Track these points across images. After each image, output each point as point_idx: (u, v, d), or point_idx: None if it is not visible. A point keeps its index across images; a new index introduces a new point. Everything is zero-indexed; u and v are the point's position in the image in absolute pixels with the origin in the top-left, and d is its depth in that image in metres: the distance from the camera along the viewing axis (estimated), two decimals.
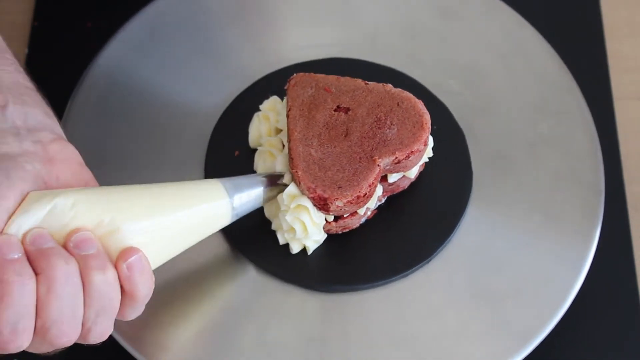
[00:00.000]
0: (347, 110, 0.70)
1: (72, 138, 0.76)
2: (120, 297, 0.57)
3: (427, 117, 0.70)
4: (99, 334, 0.57)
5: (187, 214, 0.60)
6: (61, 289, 0.54)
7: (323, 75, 0.71)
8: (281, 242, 0.71)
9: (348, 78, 0.71)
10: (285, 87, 0.71)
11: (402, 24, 0.83)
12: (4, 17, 0.93)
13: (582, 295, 0.71)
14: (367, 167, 0.68)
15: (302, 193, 0.68)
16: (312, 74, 0.71)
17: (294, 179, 0.68)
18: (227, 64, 0.81)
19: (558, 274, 0.71)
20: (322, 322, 0.69)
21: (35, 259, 0.54)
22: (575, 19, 0.92)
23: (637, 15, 0.94)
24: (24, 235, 0.55)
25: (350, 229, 0.72)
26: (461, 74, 0.80)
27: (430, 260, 0.72)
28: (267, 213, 0.72)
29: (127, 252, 0.56)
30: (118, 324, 0.66)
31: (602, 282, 0.77)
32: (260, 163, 0.73)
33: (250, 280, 0.71)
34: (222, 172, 0.70)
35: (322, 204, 0.67)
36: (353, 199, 0.67)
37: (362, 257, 0.71)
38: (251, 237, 0.72)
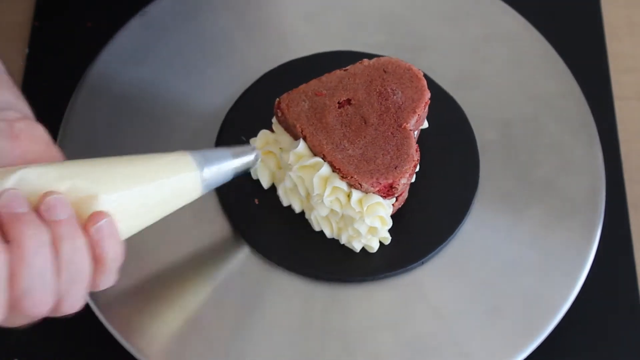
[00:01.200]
0: (349, 101, 0.70)
1: (72, 138, 0.77)
2: (91, 265, 0.56)
3: (414, 67, 0.71)
4: (71, 305, 0.56)
5: (158, 185, 0.60)
6: (32, 258, 0.53)
7: (304, 85, 0.71)
8: (358, 249, 0.71)
9: (326, 74, 0.71)
10: (279, 115, 0.70)
11: (395, 16, 0.84)
12: (4, 17, 0.93)
13: (582, 295, 0.71)
14: (403, 137, 0.68)
15: (367, 192, 0.67)
16: (294, 89, 0.70)
17: (352, 185, 0.67)
18: (228, 62, 0.81)
19: (559, 274, 0.71)
20: (328, 313, 0.70)
21: (6, 224, 0.53)
22: (575, 18, 0.92)
23: (637, 15, 0.94)
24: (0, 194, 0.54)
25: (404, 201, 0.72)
26: (460, 75, 0.80)
27: (431, 258, 0.72)
28: (331, 232, 0.71)
29: (96, 215, 0.56)
30: (113, 316, 0.66)
31: (602, 282, 0.77)
32: (285, 194, 0.73)
33: (258, 273, 0.72)
34: None
35: (388, 191, 0.67)
36: (411, 170, 0.68)
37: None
38: (263, 231, 0.73)
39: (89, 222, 0.56)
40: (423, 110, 0.70)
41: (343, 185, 0.67)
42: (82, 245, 0.55)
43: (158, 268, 0.71)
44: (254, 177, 0.73)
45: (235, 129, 0.76)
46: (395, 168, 0.67)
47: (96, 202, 0.57)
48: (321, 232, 0.72)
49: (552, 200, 0.75)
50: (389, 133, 0.69)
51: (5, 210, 0.54)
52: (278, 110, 0.70)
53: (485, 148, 0.77)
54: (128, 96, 0.80)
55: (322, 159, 0.68)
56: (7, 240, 0.53)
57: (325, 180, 0.68)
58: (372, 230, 0.69)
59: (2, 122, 0.58)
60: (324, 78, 0.71)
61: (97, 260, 0.57)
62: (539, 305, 0.70)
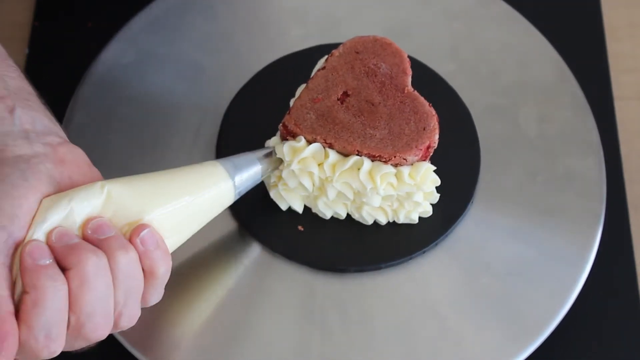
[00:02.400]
0: (345, 94, 0.70)
1: (73, 138, 0.77)
2: (143, 276, 0.58)
3: (379, 36, 0.72)
4: (129, 318, 0.58)
5: (197, 198, 0.62)
6: (94, 281, 0.54)
7: (297, 100, 0.70)
8: (417, 219, 0.72)
9: (310, 80, 0.71)
10: (285, 138, 0.69)
11: (399, 15, 0.84)
12: (4, 17, 0.93)
13: (582, 295, 0.71)
14: (412, 100, 0.69)
15: (412, 163, 0.68)
16: (290, 109, 0.69)
17: (398, 164, 0.68)
18: (226, 57, 0.81)
19: (559, 275, 0.71)
20: (326, 302, 0.70)
21: (64, 256, 0.55)
22: (575, 19, 0.92)
23: (637, 15, 0.94)
24: (49, 234, 0.55)
25: None
26: (461, 74, 0.80)
27: (428, 251, 0.72)
28: (386, 218, 0.72)
29: (138, 228, 0.58)
30: None
31: (602, 282, 0.77)
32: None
33: (255, 262, 0.72)
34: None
35: (427, 152, 0.69)
36: (437, 125, 0.69)
37: (371, 239, 0.72)
38: (258, 217, 0.73)
39: (133, 234, 0.57)
40: (409, 66, 0.71)
41: (390, 168, 0.68)
42: (134, 257, 0.57)
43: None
44: (284, 209, 0.73)
45: (236, 126, 0.77)
46: (424, 129, 0.68)
47: (141, 221, 0.58)
48: (323, 222, 0.72)
49: (552, 200, 0.74)
50: (399, 102, 0.69)
51: (59, 244, 0.55)
52: (288, 135, 0.69)
53: (486, 148, 0.77)
54: (128, 96, 0.80)
55: (358, 154, 0.68)
56: (66, 269, 0.54)
57: (371, 172, 0.68)
58: (428, 195, 0.70)
59: (47, 147, 0.59)
60: (310, 84, 0.71)
61: (146, 272, 0.58)
62: (539, 305, 0.70)
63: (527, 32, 0.83)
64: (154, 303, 0.60)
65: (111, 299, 0.56)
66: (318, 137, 0.68)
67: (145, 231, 0.58)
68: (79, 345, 0.56)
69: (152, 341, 0.69)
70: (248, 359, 0.68)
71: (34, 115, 0.60)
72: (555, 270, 0.72)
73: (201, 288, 0.71)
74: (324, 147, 0.68)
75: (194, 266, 0.72)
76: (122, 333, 0.69)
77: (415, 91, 0.70)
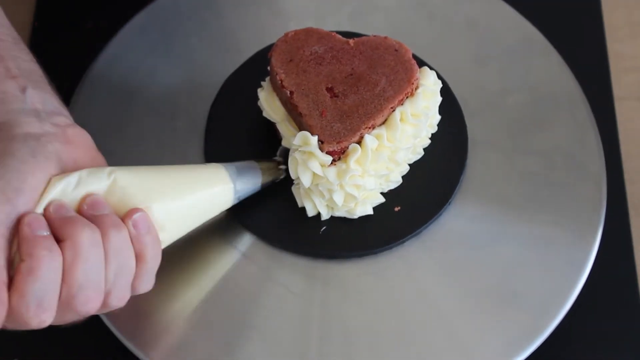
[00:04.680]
0: (329, 89, 0.71)
1: None
2: (134, 259, 0.59)
3: (287, 33, 0.73)
4: (119, 298, 0.59)
5: (197, 196, 0.64)
6: (87, 253, 0.56)
7: (311, 127, 0.69)
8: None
9: (299, 111, 0.70)
10: (339, 158, 0.70)
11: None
12: None
13: (582, 295, 0.71)
14: (363, 43, 0.72)
15: (419, 83, 0.71)
16: (321, 139, 0.69)
17: (416, 88, 0.70)
18: (230, 56, 0.81)
19: (559, 275, 0.71)
20: (325, 286, 0.71)
21: (60, 227, 0.56)
22: (575, 19, 0.92)
23: (637, 15, 0.95)
24: (47, 206, 0.57)
25: None
26: (459, 72, 0.80)
27: (417, 235, 0.73)
28: (413, 154, 0.74)
29: (131, 211, 0.59)
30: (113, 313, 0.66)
31: (603, 282, 0.77)
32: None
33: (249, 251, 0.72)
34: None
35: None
36: (391, 39, 0.73)
37: (365, 227, 0.73)
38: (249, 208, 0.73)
39: (126, 216, 0.59)
40: (321, 30, 0.73)
41: (418, 96, 0.70)
42: (126, 235, 0.58)
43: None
44: (370, 212, 0.73)
45: (225, 121, 0.77)
46: (396, 50, 0.72)
47: (154, 212, 0.60)
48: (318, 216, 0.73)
49: (552, 200, 0.74)
50: (359, 54, 0.71)
51: (56, 215, 0.56)
52: (340, 155, 0.69)
53: (481, 147, 0.77)
54: (128, 96, 0.80)
55: (393, 110, 0.69)
56: (61, 240, 0.56)
57: (412, 112, 0.70)
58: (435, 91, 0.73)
59: (56, 127, 0.60)
60: (302, 111, 0.70)
61: (138, 256, 0.59)
62: (538, 305, 0.70)
63: (527, 32, 0.83)
64: (144, 291, 0.61)
65: (102, 273, 0.57)
66: (362, 131, 0.69)
67: (138, 214, 0.59)
68: (68, 318, 0.57)
69: (147, 332, 0.69)
70: (252, 344, 0.69)
71: (44, 96, 0.62)
72: (555, 270, 0.72)
73: (198, 278, 0.71)
74: (369, 134, 0.69)
75: (189, 257, 0.72)
76: (117, 326, 0.69)
77: (354, 37, 0.72)
